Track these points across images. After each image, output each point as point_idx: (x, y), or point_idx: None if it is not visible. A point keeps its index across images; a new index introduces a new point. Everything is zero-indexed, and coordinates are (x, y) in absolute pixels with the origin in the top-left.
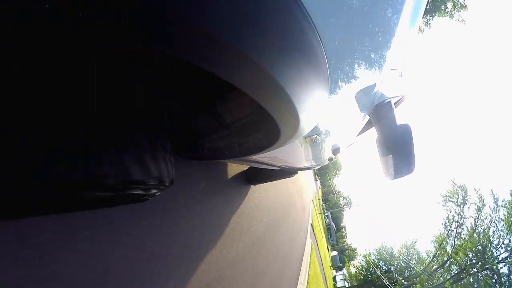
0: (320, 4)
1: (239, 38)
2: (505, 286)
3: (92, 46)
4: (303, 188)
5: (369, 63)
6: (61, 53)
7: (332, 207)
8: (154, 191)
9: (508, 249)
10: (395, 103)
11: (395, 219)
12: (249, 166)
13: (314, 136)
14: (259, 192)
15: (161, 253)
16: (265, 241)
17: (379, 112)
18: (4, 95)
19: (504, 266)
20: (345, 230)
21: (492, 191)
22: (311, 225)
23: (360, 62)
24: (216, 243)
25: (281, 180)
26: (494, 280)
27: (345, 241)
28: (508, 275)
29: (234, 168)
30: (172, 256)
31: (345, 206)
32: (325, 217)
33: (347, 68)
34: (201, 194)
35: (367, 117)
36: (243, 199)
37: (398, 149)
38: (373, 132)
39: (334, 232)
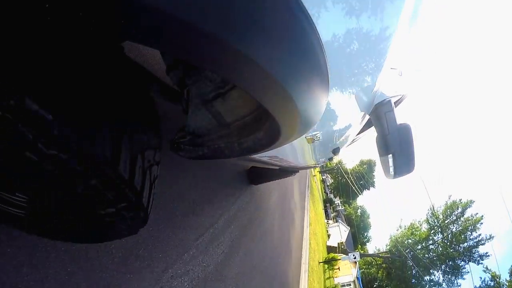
0: (320, 4)
1: (240, 38)
2: None
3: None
4: None
5: (369, 63)
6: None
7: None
8: (116, 200)
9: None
10: (395, 103)
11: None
12: (250, 166)
13: (314, 135)
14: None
15: None
16: None
17: (379, 112)
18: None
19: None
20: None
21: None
22: None
23: (360, 61)
24: None
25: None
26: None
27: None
28: None
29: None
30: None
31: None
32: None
33: (347, 67)
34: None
35: (367, 117)
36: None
37: (398, 148)
38: (372, 132)
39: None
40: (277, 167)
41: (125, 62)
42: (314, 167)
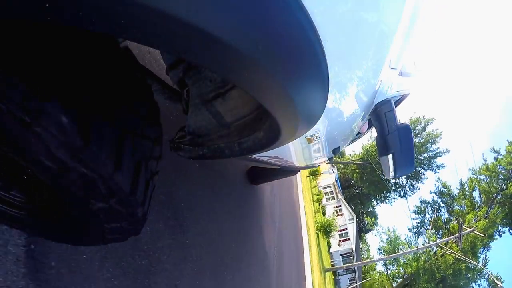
0: (320, 4)
1: (240, 38)
2: None
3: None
4: None
5: (369, 62)
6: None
7: None
8: (110, 197)
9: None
10: (395, 103)
11: None
12: (250, 166)
13: (314, 135)
14: None
15: None
16: None
17: (379, 112)
18: None
19: None
20: None
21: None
22: None
23: (360, 61)
24: None
25: None
26: None
27: None
28: None
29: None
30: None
31: None
32: None
33: (347, 67)
34: None
35: (367, 116)
36: None
37: (398, 148)
38: (373, 131)
39: None
40: (277, 167)
41: (132, 66)
42: (314, 167)
